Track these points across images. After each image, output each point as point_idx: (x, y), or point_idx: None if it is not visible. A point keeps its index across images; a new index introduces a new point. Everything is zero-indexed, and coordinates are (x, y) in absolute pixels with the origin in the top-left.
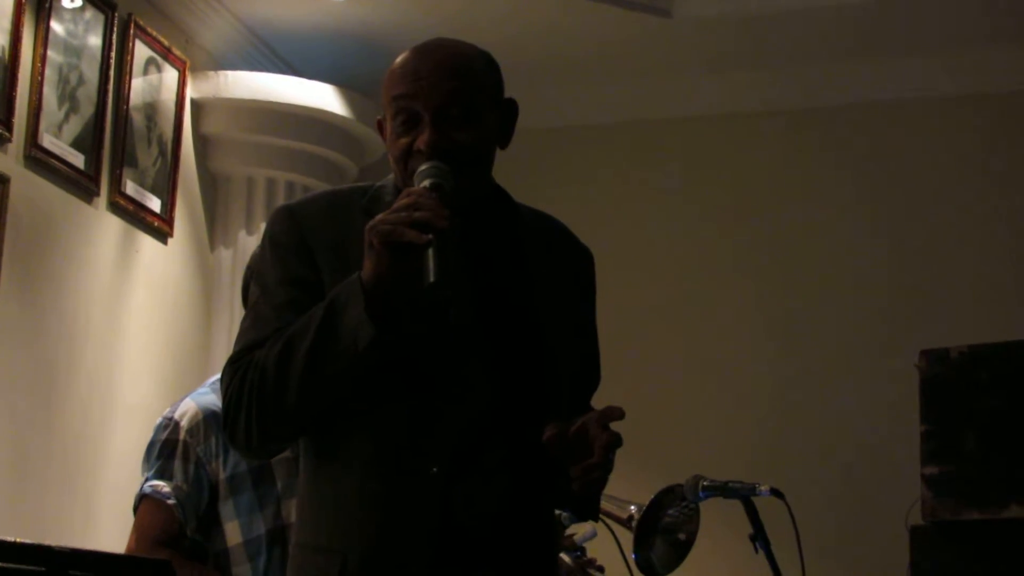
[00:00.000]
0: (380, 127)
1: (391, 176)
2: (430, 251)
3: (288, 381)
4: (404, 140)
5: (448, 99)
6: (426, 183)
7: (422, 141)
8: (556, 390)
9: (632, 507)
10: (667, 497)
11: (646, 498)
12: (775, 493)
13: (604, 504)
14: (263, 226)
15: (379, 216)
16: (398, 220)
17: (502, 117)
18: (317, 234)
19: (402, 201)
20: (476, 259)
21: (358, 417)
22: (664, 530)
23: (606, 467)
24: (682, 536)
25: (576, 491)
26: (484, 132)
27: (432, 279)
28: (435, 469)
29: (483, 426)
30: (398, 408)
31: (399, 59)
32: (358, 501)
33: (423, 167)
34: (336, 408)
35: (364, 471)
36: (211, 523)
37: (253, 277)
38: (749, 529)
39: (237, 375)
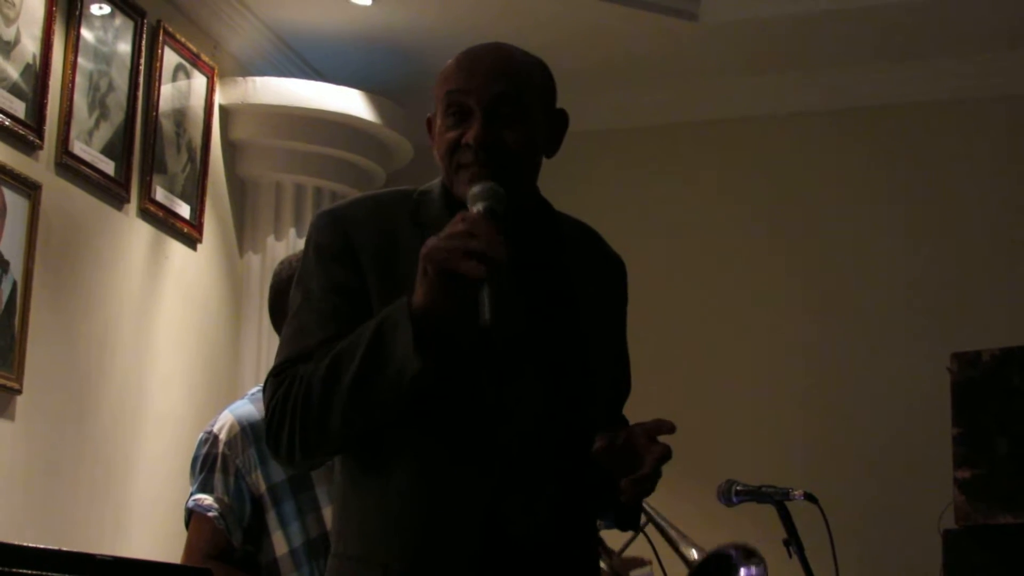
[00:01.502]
0: (429, 125)
1: (435, 181)
2: (485, 288)
3: (332, 405)
4: (453, 134)
5: (501, 97)
6: (479, 207)
7: (471, 135)
8: (598, 401)
9: (694, 550)
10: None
11: (678, 510)
12: (809, 497)
13: (672, 532)
14: (292, 232)
15: (433, 241)
16: (454, 248)
17: (552, 126)
18: (363, 238)
19: (457, 226)
20: (522, 270)
21: (405, 430)
22: None
23: (655, 478)
24: None
25: (625, 502)
26: (533, 135)
27: (487, 318)
28: (486, 481)
29: (532, 438)
30: (447, 420)
31: (454, 57)
32: (405, 513)
33: (476, 188)
34: (382, 427)
35: (411, 483)
36: (260, 534)
37: (295, 283)
38: (783, 533)
39: (281, 388)
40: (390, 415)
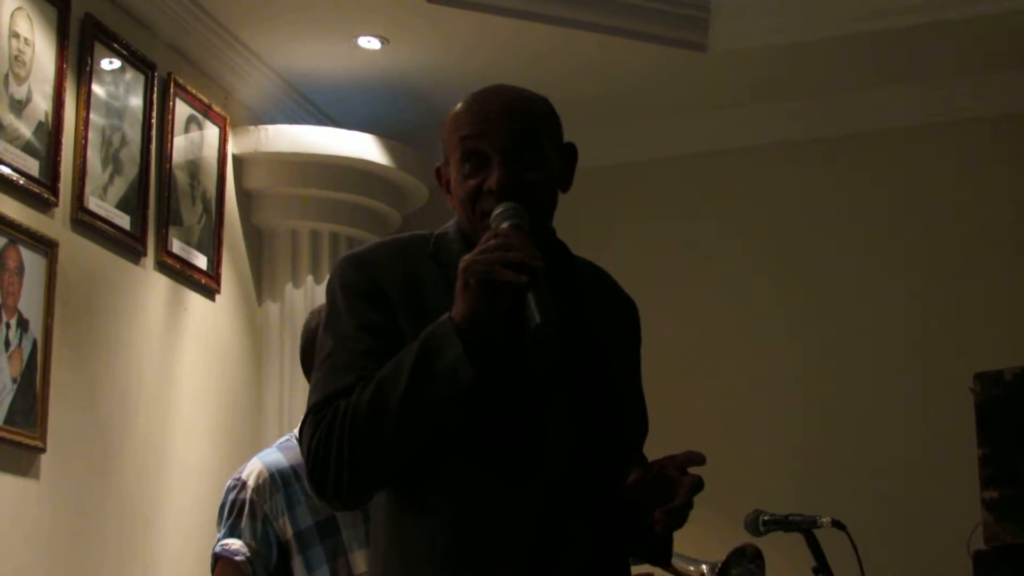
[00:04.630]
0: (438, 174)
1: (450, 224)
2: (530, 293)
3: (382, 424)
4: (472, 181)
5: (517, 139)
6: (506, 224)
7: (492, 181)
8: (623, 437)
9: (704, 566)
10: (735, 556)
11: (705, 542)
12: (837, 525)
13: (674, 561)
14: (309, 279)
15: (470, 255)
16: (493, 260)
17: (563, 160)
18: (388, 279)
19: (491, 241)
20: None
21: (447, 466)
22: None
23: (687, 509)
24: None
25: (657, 533)
26: (550, 173)
27: (538, 320)
28: (528, 517)
29: (568, 473)
30: (485, 459)
31: (462, 103)
32: (450, 552)
33: (499, 209)
34: (428, 456)
35: (454, 522)
36: None
37: (323, 328)
38: (811, 562)
39: (323, 422)
40: (439, 431)
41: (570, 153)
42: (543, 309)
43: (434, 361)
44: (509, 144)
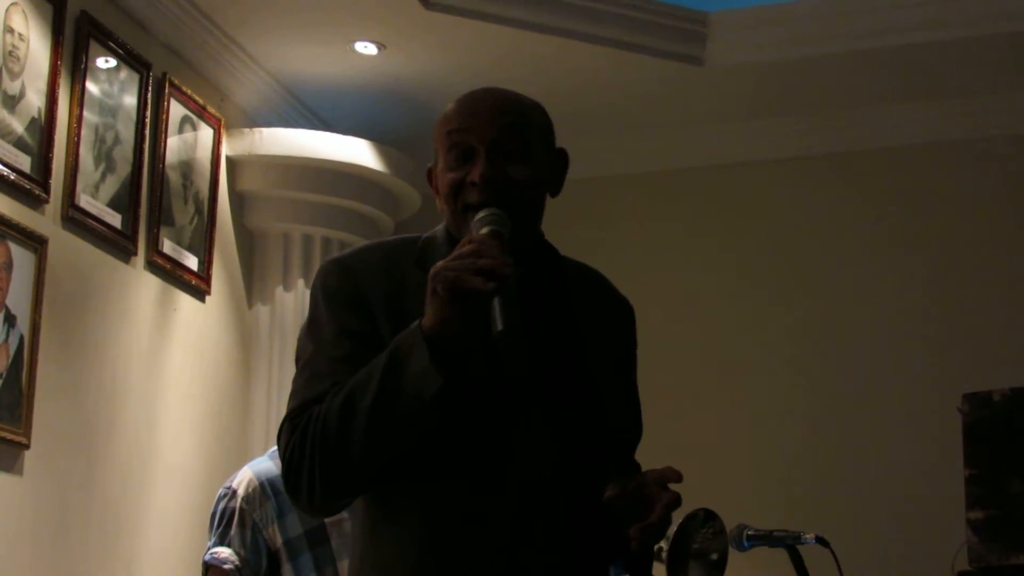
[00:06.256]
0: (429, 175)
1: (439, 227)
2: (496, 300)
3: (352, 433)
4: (456, 174)
5: (503, 133)
6: (485, 230)
7: (475, 173)
8: (608, 445)
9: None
10: (690, 524)
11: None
12: (820, 541)
13: None
14: (300, 282)
15: (441, 263)
16: (462, 267)
17: (554, 164)
18: (372, 285)
19: (464, 248)
20: (528, 310)
21: (419, 475)
22: (696, 555)
23: (665, 526)
24: (714, 556)
25: (634, 549)
26: (537, 171)
27: (500, 327)
28: (501, 530)
29: (544, 484)
30: (458, 468)
31: (453, 102)
32: (423, 563)
33: (481, 214)
34: (400, 464)
35: (427, 533)
36: None
37: (305, 332)
38: None
39: (297, 431)
40: (409, 439)
41: (561, 158)
42: (506, 316)
43: (402, 369)
44: (495, 138)
